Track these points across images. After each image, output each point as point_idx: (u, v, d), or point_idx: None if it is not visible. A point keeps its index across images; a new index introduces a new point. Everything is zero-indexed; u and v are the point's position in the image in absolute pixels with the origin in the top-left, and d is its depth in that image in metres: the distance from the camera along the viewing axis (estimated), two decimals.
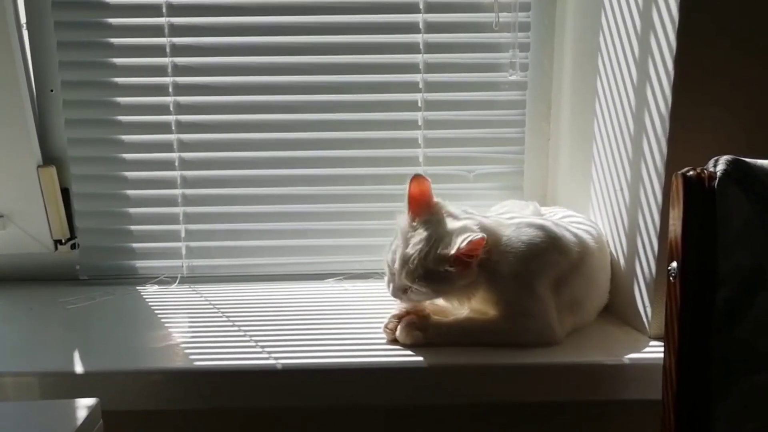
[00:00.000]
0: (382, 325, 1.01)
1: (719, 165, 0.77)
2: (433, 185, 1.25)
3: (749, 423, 0.75)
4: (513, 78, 1.23)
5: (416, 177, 0.98)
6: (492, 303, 0.97)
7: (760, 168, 0.76)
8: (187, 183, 1.26)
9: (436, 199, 1.00)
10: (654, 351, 0.97)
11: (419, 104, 1.25)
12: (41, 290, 1.24)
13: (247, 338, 1.03)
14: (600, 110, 1.12)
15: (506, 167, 1.29)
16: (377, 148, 1.27)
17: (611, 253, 1.09)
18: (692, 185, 0.76)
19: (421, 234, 0.96)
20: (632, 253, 1.03)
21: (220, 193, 1.27)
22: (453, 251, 0.91)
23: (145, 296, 1.22)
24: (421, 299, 0.98)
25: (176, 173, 1.25)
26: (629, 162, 1.04)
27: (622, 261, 1.06)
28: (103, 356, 0.99)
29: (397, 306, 1.03)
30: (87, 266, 1.28)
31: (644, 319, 1.02)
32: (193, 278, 1.28)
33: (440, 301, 1.01)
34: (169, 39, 1.21)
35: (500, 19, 1.20)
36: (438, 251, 0.93)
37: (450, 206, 1.00)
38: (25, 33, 1.21)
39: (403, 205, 0.99)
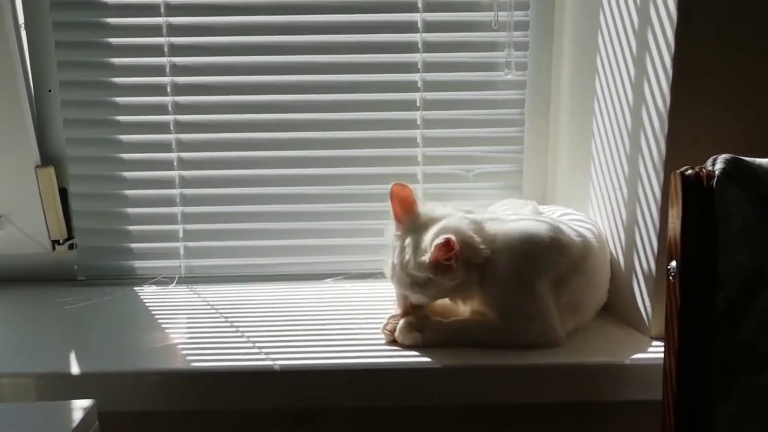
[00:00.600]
0: (381, 327, 1.00)
1: (718, 164, 0.76)
2: (432, 184, 1.27)
3: (750, 423, 0.74)
4: (509, 77, 1.22)
5: (396, 185, 0.99)
6: (490, 304, 0.97)
7: (759, 167, 0.76)
8: (185, 183, 1.26)
9: (420, 203, 1.00)
10: (655, 351, 0.96)
11: (418, 103, 1.24)
12: (39, 291, 1.24)
13: (244, 339, 1.03)
14: (599, 109, 1.11)
15: (505, 166, 1.28)
16: (376, 148, 1.26)
17: (611, 253, 1.08)
18: (691, 184, 0.76)
19: (402, 244, 0.97)
20: (632, 252, 1.03)
21: (218, 192, 1.27)
22: (427, 259, 0.93)
23: (142, 297, 1.21)
24: (424, 301, 0.99)
25: (174, 173, 1.25)
26: (628, 161, 1.03)
27: (621, 260, 1.06)
28: (100, 357, 0.99)
29: (395, 307, 1.02)
30: (85, 266, 1.28)
31: (645, 319, 1.01)
32: (191, 278, 1.28)
33: (445, 300, 1.01)
34: (167, 39, 1.20)
35: (499, 18, 1.20)
36: (416, 259, 0.94)
37: (436, 208, 1.00)
38: (23, 33, 1.21)
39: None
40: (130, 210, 1.27)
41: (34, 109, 1.23)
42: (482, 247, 0.95)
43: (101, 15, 1.20)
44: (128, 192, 1.26)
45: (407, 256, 0.95)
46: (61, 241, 1.26)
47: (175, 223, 1.27)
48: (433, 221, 0.97)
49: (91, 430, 0.77)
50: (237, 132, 1.25)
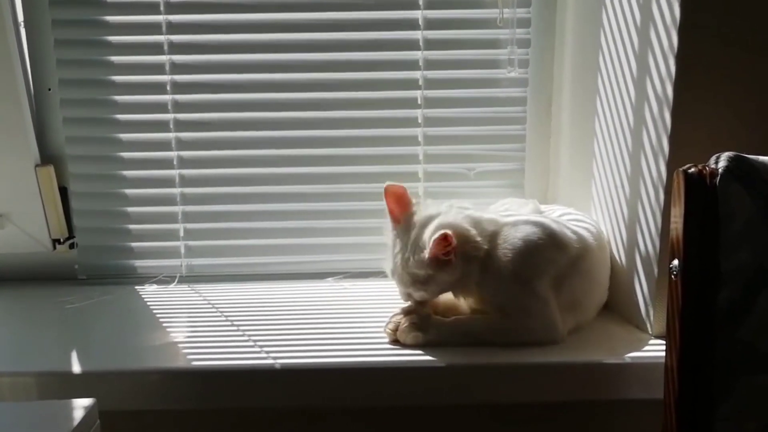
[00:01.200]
0: (384, 326, 1.00)
1: (721, 162, 0.76)
2: (434, 183, 1.26)
3: (751, 423, 0.74)
4: (512, 75, 1.22)
5: (390, 186, 1.00)
6: (489, 301, 0.97)
7: (762, 165, 0.76)
8: (185, 182, 1.25)
9: (414, 201, 1.01)
10: (656, 350, 0.96)
11: (419, 101, 1.24)
12: (39, 290, 1.24)
13: (245, 338, 1.02)
14: (601, 107, 1.11)
15: (507, 165, 1.28)
16: (377, 146, 1.26)
17: (612, 251, 1.08)
18: (694, 182, 0.75)
19: (399, 243, 0.99)
20: (633, 251, 1.03)
21: (219, 191, 1.26)
22: (426, 255, 0.93)
23: (143, 296, 1.21)
24: (426, 298, 0.99)
25: (175, 172, 1.25)
26: (630, 159, 1.03)
27: (623, 259, 1.06)
28: (101, 356, 0.99)
29: (399, 306, 1.02)
30: (85, 265, 1.27)
31: (646, 318, 1.01)
32: (192, 277, 1.28)
33: (448, 297, 1.01)
34: (167, 37, 1.20)
35: (502, 15, 1.19)
36: (415, 257, 0.95)
37: (431, 206, 1.01)
38: (23, 31, 1.21)
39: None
40: (131, 209, 1.26)
41: (34, 107, 1.23)
42: (479, 240, 0.95)
43: (101, 13, 1.19)
44: (128, 191, 1.26)
45: (406, 254, 0.96)
46: (61, 240, 1.26)
47: (176, 222, 1.26)
48: (428, 218, 0.98)
49: (92, 429, 0.76)
50: (237, 130, 1.24)
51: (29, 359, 0.98)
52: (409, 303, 1.02)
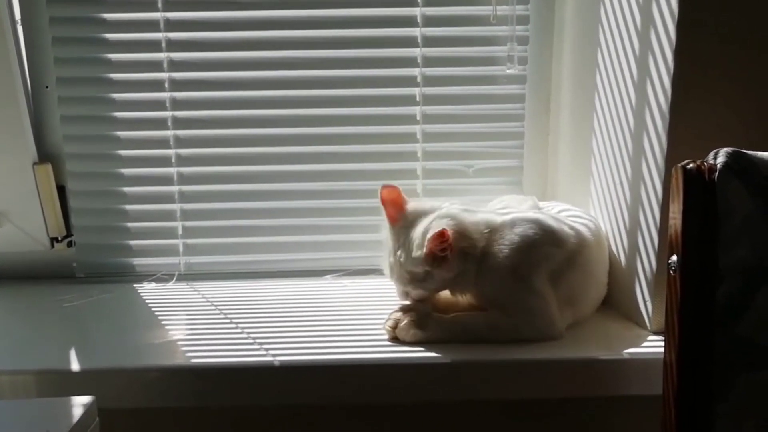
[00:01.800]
0: (383, 324, 1.00)
1: (719, 157, 0.76)
2: (432, 180, 1.27)
3: (750, 420, 0.74)
4: (511, 71, 1.22)
5: (385, 187, 1.01)
6: (487, 297, 0.97)
7: (761, 160, 0.75)
8: (184, 179, 1.25)
9: (409, 201, 1.02)
10: (655, 346, 0.96)
11: (417, 99, 1.24)
12: (38, 288, 1.23)
13: (244, 335, 1.02)
14: (600, 104, 1.11)
15: (506, 162, 1.28)
16: (375, 143, 1.26)
17: (611, 248, 1.08)
18: (692, 178, 0.75)
19: (397, 241, 0.99)
20: (632, 247, 1.03)
21: (217, 189, 1.26)
22: (423, 252, 0.94)
23: (142, 294, 1.21)
24: (424, 295, 1.00)
25: (173, 170, 1.25)
26: (629, 156, 1.03)
27: (622, 255, 1.06)
28: (100, 354, 0.98)
29: (397, 304, 1.02)
30: (84, 264, 1.27)
31: (645, 314, 1.01)
32: (190, 275, 1.27)
33: (446, 295, 1.01)
34: (164, 34, 1.20)
35: (498, 12, 1.19)
36: (412, 254, 0.96)
37: (425, 203, 1.02)
38: (20, 29, 1.20)
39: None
40: (129, 207, 1.26)
41: (31, 105, 1.22)
42: (476, 237, 0.96)
43: (98, 10, 1.19)
44: (127, 189, 1.26)
45: (403, 252, 0.97)
46: (59, 239, 1.26)
47: (174, 220, 1.26)
48: (424, 216, 0.99)
49: (92, 426, 0.76)
50: (236, 128, 1.24)
51: (28, 357, 0.97)
52: (407, 301, 1.02)
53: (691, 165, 0.76)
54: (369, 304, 1.13)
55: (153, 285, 1.25)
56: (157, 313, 1.12)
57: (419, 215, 0.99)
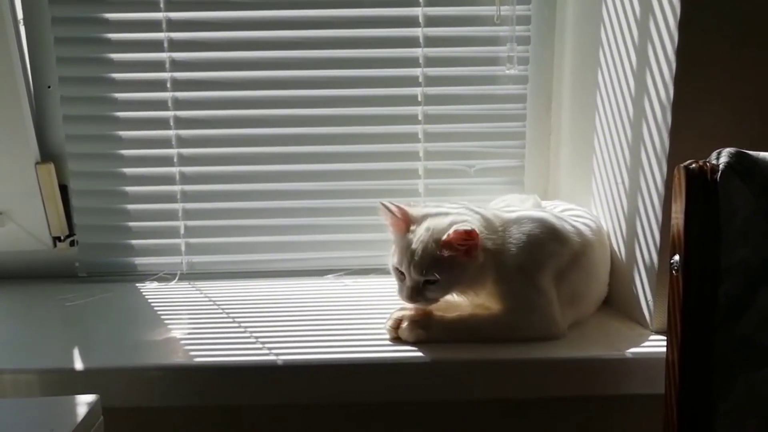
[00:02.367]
0: (385, 325, 1.00)
1: (722, 157, 0.76)
2: (434, 180, 1.27)
3: (752, 419, 0.74)
4: (511, 72, 1.22)
5: (383, 206, 1.00)
6: (497, 296, 0.97)
7: (763, 160, 0.76)
8: (186, 179, 1.25)
9: (412, 211, 1.00)
10: (656, 345, 0.97)
11: (419, 98, 1.24)
12: (40, 287, 1.24)
13: (247, 334, 1.03)
14: (601, 104, 1.11)
15: (507, 161, 1.28)
16: (377, 143, 1.26)
17: (612, 247, 1.08)
18: (695, 178, 0.75)
19: (419, 231, 0.97)
20: (634, 246, 1.03)
21: (219, 189, 1.26)
22: (447, 237, 0.93)
23: (144, 293, 1.21)
24: (436, 296, 0.97)
25: (175, 169, 1.25)
26: (631, 155, 1.03)
27: (623, 255, 1.06)
28: (103, 353, 0.99)
29: (399, 306, 1.02)
30: (86, 263, 1.27)
31: (646, 313, 1.01)
32: (192, 275, 1.28)
33: (454, 297, 1.00)
34: (167, 34, 1.20)
35: (501, 12, 1.19)
36: (437, 237, 0.94)
37: (427, 206, 1.02)
38: (22, 29, 1.20)
39: (397, 201, 1.02)
40: (131, 206, 1.26)
41: (34, 105, 1.22)
42: (493, 237, 0.96)
43: (100, 10, 1.19)
44: (129, 188, 1.26)
45: (427, 237, 0.95)
46: (62, 238, 1.26)
47: (176, 219, 1.27)
48: (438, 213, 0.98)
49: (96, 425, 0.77)
50: (238, 128, 1.24)
51: (31, 356, 0.98)
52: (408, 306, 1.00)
53: (693, 165, 0.76)
54: (370, 304, 1.13)
55: (155, 284, 1.25)
56: (159, 313, 1.12)
57: (431, 215, 0.99)
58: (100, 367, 0.94)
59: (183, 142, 1.24)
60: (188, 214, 1.27)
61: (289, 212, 1.28)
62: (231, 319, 1.08)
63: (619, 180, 1.06)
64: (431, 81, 1.23)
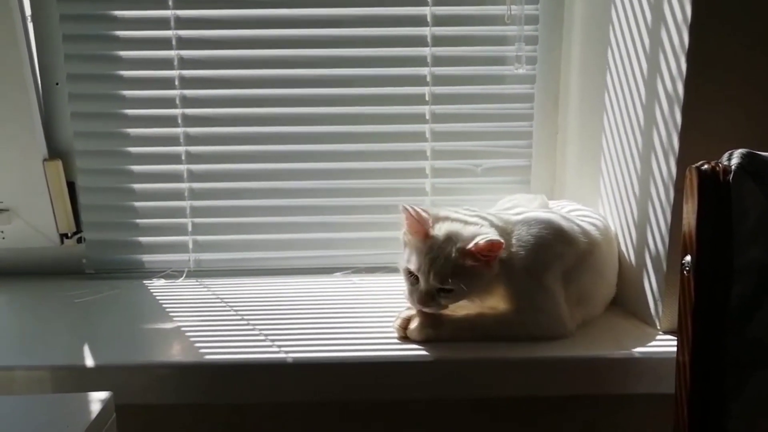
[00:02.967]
0: (394, 325, 1.00)
1: (734, 158, 0.76)
2: (441, 179, 1.27)
3: (763, 419, 0.75)
4: (520, 71, 1.22)
5: (404, 209, 0.97)
6: (505, 297, 0.97)
7: None
8: (194, 177, 1.25)
9: (427, 215, 0.98)
10: (665, 345, 0.97)
11: (427, 98, 1.24)
12: (47, 284, 1.24)
13: (256, 332, 1.03)
14: (610, 104, 1.11)
15: (514, 161, 1.28)
16: (384, 142, 1.26)
17: (620, 247, 1.09)
18: (707, 179, 0.76)
19: (440, 237, 0.96)
20: (642, 247, 1.03)
21: (227, 186, 1.27)
22: (472, 247, 0.92)
23: (152, 290, 1.21)
24: (449, 302, 0.96)
25: (183, 167, 1.25)
26: (640, 156, 1.03)
27: (631, 255, 1.06)
28: (114, 350, 0.99)
29: (406, 306, 1.02)
30: (93, 260, 1.28)
31: (654, 313, 1.02)
32: (200, 272, 1.28)
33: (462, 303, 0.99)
34: (175, 32, 1.20)
35: (511, 12, 1.19)
36: (460, 247, 0.93)
37: (448, 211, 1.00)
38: (30, 26, 1.20)
39: (405, 201, 1.00)
40: (139, 204, 1.26)
41: (41, 102, 1.22)
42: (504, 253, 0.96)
43: (109, 8, 1.19)
44: (136, 186, 1.26)
45: (450, 246, 0.94)
46: (69, 235, 1.26)
47: (184, 216, 1.27)
48: (459, 221, 0.98)
49: (109, 422, 0.77)
50: (245, 126, 1.24)
51: (41, 353, 0.98)
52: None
53: (705, 166, 0.76)
54: (378, 302, 1.13)
55: (162, 281, 1.25)
56: (168, 310, 1.12)
57: (452, 220, 0.98)
58: (112, 364, 0.94)
59: (191, 139, 1.24)
60: (196, 212, 1.27)
61: (296, 210, 1.28)
62: (240, 317, 1.08)
63: (628, 181, 1.07)
64: (439, 80, 1.24)
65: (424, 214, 0.97)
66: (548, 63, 1.25)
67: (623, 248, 1.08)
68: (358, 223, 1.28)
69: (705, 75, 0.92)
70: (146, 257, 1.28)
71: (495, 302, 0.99)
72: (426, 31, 1.22)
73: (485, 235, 0.93)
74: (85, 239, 1.27)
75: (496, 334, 0.97)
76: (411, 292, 0.97)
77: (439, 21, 1.21)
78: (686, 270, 0.78)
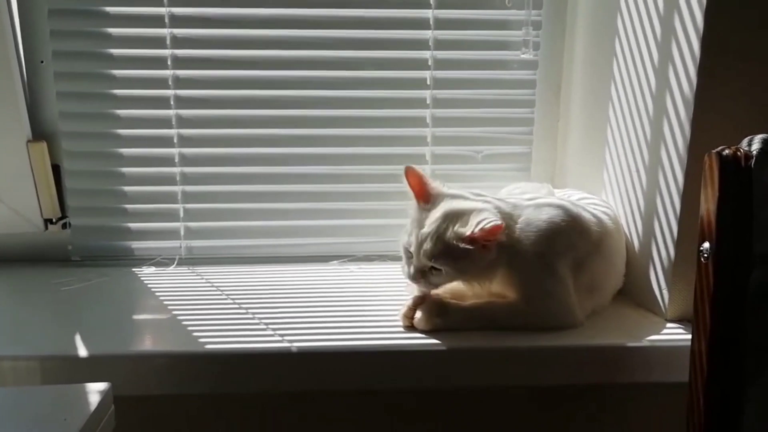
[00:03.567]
0: (400, 314, 0.97)
1: (755, 144, 0.75)
2: (441, 165, 1.25)
3: None
4: (525, 56, 1.20)
5: (409, 169, 0.97)
6: (512, 284, 0.95)
7: None
8: (186, 161, 1.21)
9: (434, 183, 0.98)
10: (672, 333, 0.97)
11: (428, 82, 1.21)
12: (32, 271, 1.19)
13: (255, 321, 0.99)
14: (616, 92, 1.10)
15: (514, 148, 1.26)
16: (384, 127, 1.23)
17: (626, 236, 1.08)
18: (728, 164, 0.75)
19: (435, 213, 0.95)
20: (648, 236, 1.02)
21: (220, 171, 1.22)
22: (469, 232, 0.90)
23: (142, 278, 1.17)
24: (440, 282, 0.95)
25: (174, 150, 1.20)
26: (647, 145, 1.02)
27: (637, 244, 1.06)
28: (105, 339, 0.94)
29: (411, 294, 0.99)
30: (79, 247, 1.22)
31: (661, 302, 1.01)
32: (192, 260, 1.24)
33: (458, 285, 0.98)
34: (168, 9, 1.15)
35: None
36: (455, 228, 0.92)
37: (450, 188, 1.00)
38: (14, 0, 1.14)
39: (408, 191, 0.99)
40: (128, 188, 1.21)
41: (25, 81, 1.16)
42: (511, 228, 0.95)
43: None
44: (125, 169, 1.21)
45: (444, 224, 0.93)
46: (54, 220, 1.21)
47: (175, 202, 1.22)
48: (458, 198, 0.97)
49: (108, 414, 0.73)
50: (240, 108, 1.20)
51: (29, 343, 0.94)
52: (416, 291, 0.99)
53: (726, 152, 0.75)
54: (377, 290, 1.11)
55: (152, 269, 1.21)
56: (160, 298, 1.08)
57: (451, 196, 0.97)
58: (104, 354, 0.91)
59: (184, 122, 1.19)
60: (188, 197, 1.22)
61: (292, 196, 1.24)
62: (237, 305, 1.05)
63: (634, 169, 1.05)
64: (440, 64, 1.21)
65: (423, 180, 0.97)
66: (551, 49, 1.23)
67: (629, 238, 1.07)
68: (356, 210, 1.26)
69: (719, 60, 0.91)
70: (135, 244, 1.24)
71: (501, 289, 0.97)
72: (428, 13, 1.19)
73: (484, 219, 0.90)
74: (70, 225, 1.22)
75: (504, 323, 0.95)
76: (405, 265, 0.97)
77: (442, 3, 1.18)
78: (704, 257, 0.77)
